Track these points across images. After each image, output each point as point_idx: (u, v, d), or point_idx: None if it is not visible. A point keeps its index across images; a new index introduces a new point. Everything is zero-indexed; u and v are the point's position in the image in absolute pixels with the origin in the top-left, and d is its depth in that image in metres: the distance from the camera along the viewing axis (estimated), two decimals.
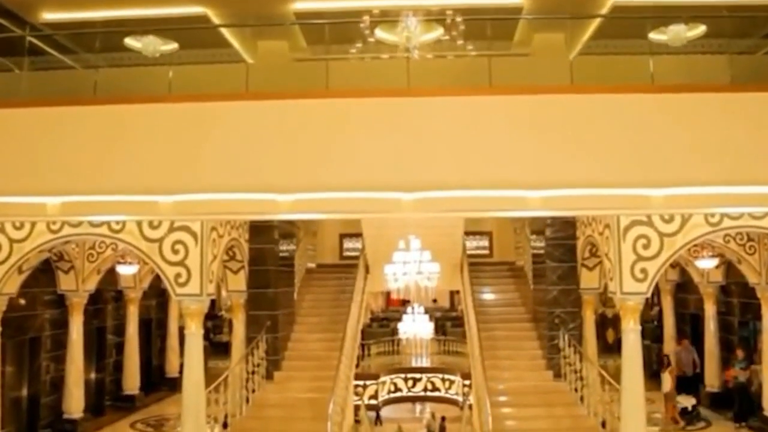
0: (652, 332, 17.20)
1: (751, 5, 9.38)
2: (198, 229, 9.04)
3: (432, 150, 7.85)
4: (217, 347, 19.65)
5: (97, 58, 10.04)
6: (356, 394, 16.99)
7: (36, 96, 8.65)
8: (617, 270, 8.85)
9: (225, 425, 11.17)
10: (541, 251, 13.30)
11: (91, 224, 9.11)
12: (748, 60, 9.80)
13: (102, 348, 14.93)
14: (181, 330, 12.41)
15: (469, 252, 16.64)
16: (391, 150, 7.87)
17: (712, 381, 14.05)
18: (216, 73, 10.51)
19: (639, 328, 8.95)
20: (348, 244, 18.72)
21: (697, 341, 14.87)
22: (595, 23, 10.59)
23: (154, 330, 17.33)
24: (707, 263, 12.86)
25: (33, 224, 9.18)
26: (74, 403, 12.63)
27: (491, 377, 11.68)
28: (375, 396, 18.96)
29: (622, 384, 8.95)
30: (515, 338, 13.81)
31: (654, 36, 9.31)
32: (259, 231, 12.48)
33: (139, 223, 9.03)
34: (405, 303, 20.79)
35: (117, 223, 9.06)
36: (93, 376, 14.43)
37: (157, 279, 13.79)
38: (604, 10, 10.10)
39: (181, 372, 11.48)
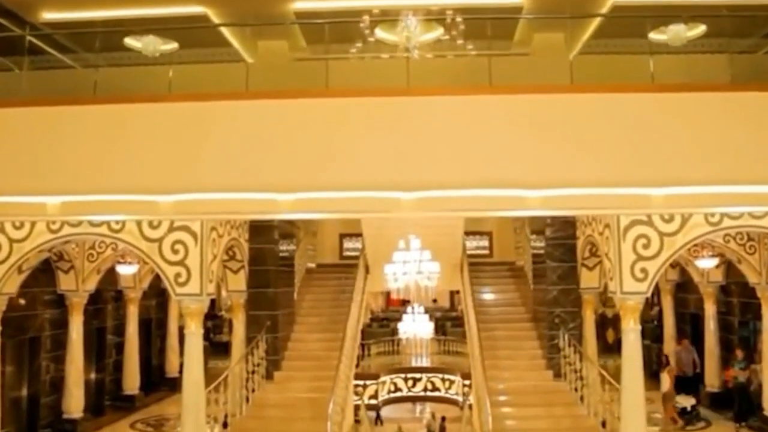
0: (652, 332, 17.19)
1: (751, 5, 9.37)
2: (198, 229, 9.02)
3: (432, 149, 7.85)
4: (217, 347, 19.65)
5: (97, 57, 10.02)
6: (356, 394, 16.99)
7: (36, 95, 8.65)
8: (617, 270, 8.84)
9: (225, 425, 11.16)
10: (541, 251, 13.30)
11: (91, 224, 9.10)
12: (749, 59, 9.79)
13: (102, 348, 14.92)
14: (181, 330, 12.41)
15: (469, 252, 16.64)
16: (391, 149, 7.87)
17: (712, 381, 14.05)
18: (216, 73, 10.50)
19: (639, 327, 8.94)
20: (348, 244, 18.72)
21: (697, 341, 14.86)
22: (595, 23, 10.59)
23: (154, 330, 17.32)
24: (707, 263, 12.85)
25: (33, 224, 9.17)
26: (74, 403, 12.62)
27: (491, 377, 11.68)
28: (375, 396, 18.97)
29: (622, 384, 8.95)
30: (515, 338, 13.80)
31: (654, 35, 9.32)
32: (259, 231, 12.47)
33: (138, 223, 9.02)
34: (405, 303, 20.79)
35: (117, 222, 9.05)
36: (93, 376, 14.42)
37: (157, 279, 13.79)
38: (604, 10, 10.10)
39: (181, 372, 11.47)
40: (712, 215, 8.77)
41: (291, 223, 14.20)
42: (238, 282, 12.33)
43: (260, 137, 8.01)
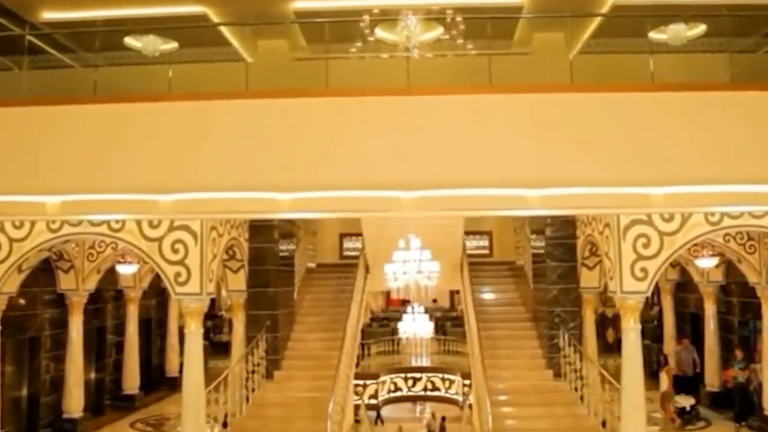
0: (652, 332, 17.19)
1: (751, 5, 9.37)
2: (198, 228, 9.01)
3: (432, 149, 7.86)
4: (217, 347, 19.65)
5: (97, 57, 10.03)
6: (356, 393, 16.99)
7: (36, 95, 8.66)
8: (617, 269, 8.84)
9: (225, 424, 11.16)
10: (541, 251, 13.30)
11: (91, 223, 9.09)
12: (748, 59, 9.79)
13: (102, 347, 14.92)
14: (181, 329, 12.40)
15: (469, 251, 16.64)
16: (390, 149, 7.87)
17: (712, 380, 14.04)
18: (216, 72, 10.49)
19: (639, 327, 8.93)
20: (348, 243, 18.72)
21: (697, 341, 14.86)
22: (595, 22, 10.58)
23: (153, 329, 17.32)
24: (707, 262, 12.85)
25: (33, 223, 9.15)
26: (74, 403, 12.62)
27: (491, 377, 11.67)
28: (375, 395, 18.96)
29: (622, 383, 8.94)
30: (515, 338, 13.80)
31: (654, 35, 9.31)
32: (259, 230, 12.48)
33: (138, 222, 9.01)
34: (405, 303, 20.79)
35: (117, 222, 9.05)
36: (93, 375, 14.42)
37: (156, 278, 13.79)
38: (604, 9, 10.09)
39: (181, 371, 11.47)
40: (712, 215, 8.76)
41: (291, 222, 14.21)
42: (238, 281, 12.33)
43: (260, 137, 8.01)
